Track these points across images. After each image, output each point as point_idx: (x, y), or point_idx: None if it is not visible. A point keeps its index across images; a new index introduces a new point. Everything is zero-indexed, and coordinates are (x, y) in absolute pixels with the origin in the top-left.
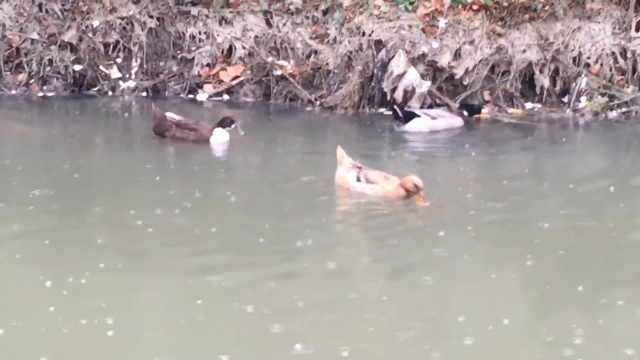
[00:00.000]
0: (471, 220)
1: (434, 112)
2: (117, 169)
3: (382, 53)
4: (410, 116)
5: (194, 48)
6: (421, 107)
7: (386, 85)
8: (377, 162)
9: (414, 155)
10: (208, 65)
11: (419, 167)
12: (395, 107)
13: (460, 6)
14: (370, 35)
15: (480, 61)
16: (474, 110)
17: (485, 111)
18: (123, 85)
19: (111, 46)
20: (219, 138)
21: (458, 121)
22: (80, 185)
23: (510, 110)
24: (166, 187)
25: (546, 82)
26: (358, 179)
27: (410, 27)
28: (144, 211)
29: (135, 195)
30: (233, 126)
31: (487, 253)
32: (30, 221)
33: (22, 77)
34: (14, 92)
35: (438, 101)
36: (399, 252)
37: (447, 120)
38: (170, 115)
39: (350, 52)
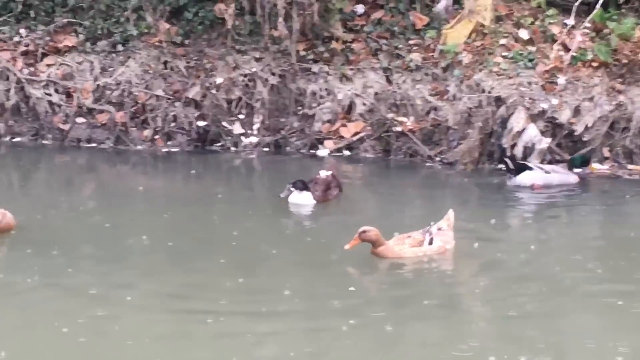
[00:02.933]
0: (571, 289)
1: (548, 167)
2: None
3: (502, 109)
4: (522, 168)
5: (315, 104)
6: (541, 163)
7: (506, 142)
8: (487, 220)
9: (523, 212)
10: (329, 121)
11: (525, 226)
12: (506, 159)
13: (579, 63)
14: (490, 92)
15: (599, 118)
16: (582, 161)
17: (598, 165)
18: (245, 140)
19: (234, 102)
20: (293, 198)
21: (573, 178)
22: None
23: (630, 166)
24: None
25: None
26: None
27: (529, 83)
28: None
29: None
30: (288, 186)
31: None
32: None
33: (147, 132)
34: (139, 147)
35: (558, 157)
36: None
37: (560, 175)
38: (324, 172)
39: (470, 109)
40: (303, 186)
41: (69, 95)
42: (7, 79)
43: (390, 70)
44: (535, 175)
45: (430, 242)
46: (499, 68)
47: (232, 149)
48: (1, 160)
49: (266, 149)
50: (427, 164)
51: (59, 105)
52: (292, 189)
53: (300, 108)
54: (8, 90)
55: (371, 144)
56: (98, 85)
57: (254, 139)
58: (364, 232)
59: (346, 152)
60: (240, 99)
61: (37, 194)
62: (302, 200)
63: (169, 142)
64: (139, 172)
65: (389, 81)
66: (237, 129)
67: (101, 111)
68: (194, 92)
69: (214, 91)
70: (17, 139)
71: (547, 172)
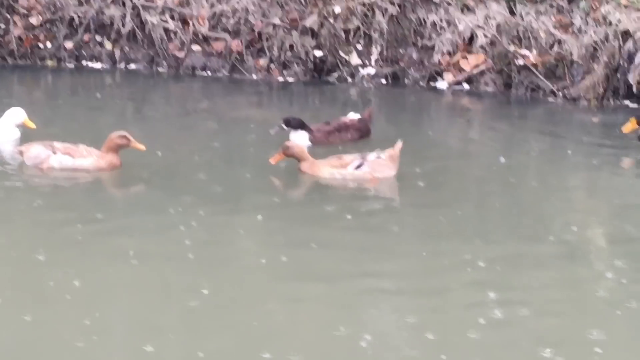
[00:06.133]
0: None
1: None
2: None
3: (629, 44)
4: None
5: (434, 35)
6: None
7: (632, 77)
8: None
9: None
10: (449, 53)
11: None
12: None
13: None
14: (617, 25)
15: None
16: None
17: None
18: (362, 72)
19: (352, 32)
20: (291, 136)
21: None
22: None
23: None
24: None
25: None
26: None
27: None
28: None
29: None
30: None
31: None
32: None
33: (263, 62)
34: (254, 76)
35: None
36: None
37: None
38: (352, 115)
39: (596, 43)
40: (297, 124)
41: (184, 22)
42: (123, 4)
43: (514, 1)
44: None
45: (359, 167)
46: (627, 1)
47: (349, 79)
48: (117, 87)
49: (383, 81)
50: (549, 99)
51: (175, 33)
52: (284, 126)
53: (419, 39)
54: (124, 16)
55: (492, 78)
56: (214, 12)
57: (371, 70)
58: (287, 147)
59: (466, 86)
60: (358, 28)
61: (151, 124)
62: (297, 140)
63: (285, 72)
64: (254, 103)
65: (512, 12)
66: (355, 59)
67: (217, 39)
68: (311, 21)
69: (331, 20)
70: (132, 66)
71: None
